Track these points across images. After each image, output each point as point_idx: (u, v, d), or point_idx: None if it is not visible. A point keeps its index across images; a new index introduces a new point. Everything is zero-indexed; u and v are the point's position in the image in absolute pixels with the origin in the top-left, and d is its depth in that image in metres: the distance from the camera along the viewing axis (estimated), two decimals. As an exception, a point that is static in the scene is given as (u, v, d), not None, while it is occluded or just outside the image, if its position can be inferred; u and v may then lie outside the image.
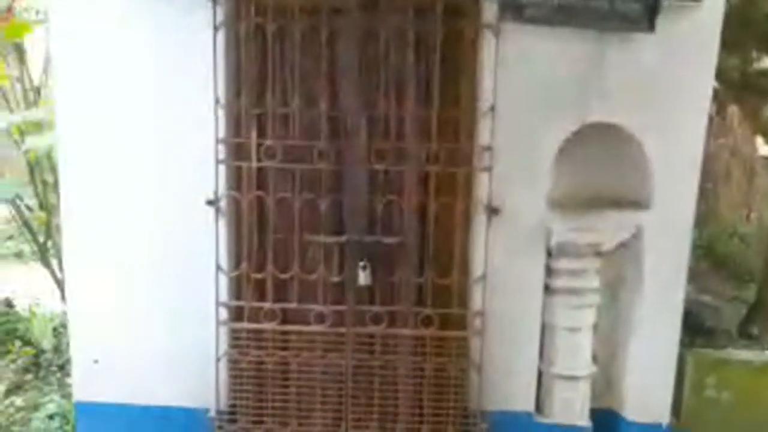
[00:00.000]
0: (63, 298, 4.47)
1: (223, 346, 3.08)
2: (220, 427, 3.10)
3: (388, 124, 2.97)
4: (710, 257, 6.44)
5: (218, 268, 3.02)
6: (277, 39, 2.92)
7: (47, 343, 4.48)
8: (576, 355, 3.13)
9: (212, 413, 3.09)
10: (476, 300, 3.04)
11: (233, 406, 3.12)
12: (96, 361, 3.15)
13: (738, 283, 6.19)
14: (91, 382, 3.16)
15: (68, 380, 3.96)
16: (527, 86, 2.89)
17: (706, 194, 6.18)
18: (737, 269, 6.33)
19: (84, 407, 3.19)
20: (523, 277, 3.04)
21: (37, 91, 4.62)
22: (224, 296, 3.06)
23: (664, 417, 3.16)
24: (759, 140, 6.89)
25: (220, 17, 2.86)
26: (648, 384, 3.13)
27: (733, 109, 6.23)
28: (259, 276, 3.06)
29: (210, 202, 2.98)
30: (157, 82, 2.95)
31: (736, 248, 6.59)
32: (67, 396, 3.84)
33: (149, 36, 2.92)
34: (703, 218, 5.88)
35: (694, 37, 2.82)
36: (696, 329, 4.84)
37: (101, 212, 3.05)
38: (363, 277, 3.00)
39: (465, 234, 3.04)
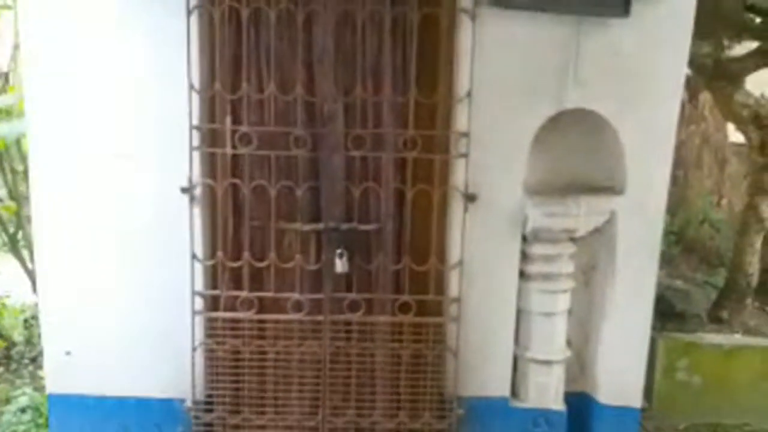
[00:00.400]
0: (34, 289, 4.39)
1: (199, 335, 3.05)
2: (196, 417, 3.08)
3: (365, 110, 2.94)
4: (681, 243, 6.55)
5: (193, 256, 2.98)
6: (251, 23, 2.87)
7: (18, 335, 4.39)
8: (550, 339, 3.17)
9: (188, 403, 3.06)
10: (453, 286, 3.05)
11: (210, 396, 3.09)
12: (68, 353, 3.10)
13: (708, 268, 6.32)
14: (64, 374, 3.11)
15: (40, 373, 3.90)
16: (504, 72, 2.89)
17: (677, 181, 6.28)
18: (707, 254, 6.46)
19: (57, 399, 3.14)
20: (499, 263, 3.06)
21: (5, 77, 4.50)
22: (200, 285, 3.02)
23: (637, 400, 3.22)
24: (729, 127, 7.01)
25: (193, 1, 2.80)
26: (620, 368, 3.18)
27: (704, 96, 6.33)
28: (235, 264, 3.02)
29: (184, 190, 2.94)
30: (129, 68, 2.88)
31: (706, 234, 6.71)
32: (39, 389, 3.78)
33: (120, 20, 2.85)
34: (674, 204, 5.99)
35: (668, 24, 2.85)
36: (667, 314, 4.94)
37: (72, 201, 2.99)
38: (340, 265, 2.99)
39: (442, 220, 3.05)
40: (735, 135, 7.04)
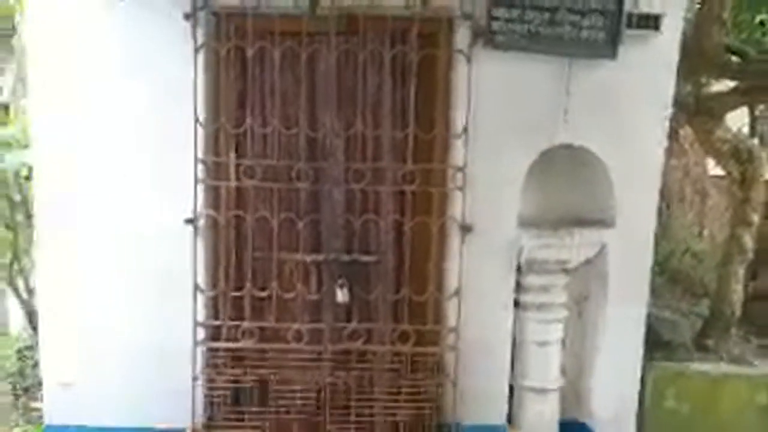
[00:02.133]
0: (30, 320, 4.38)
1: (200, 365, 3.07)
2: (196, 447, 3.09)
3: (365, 144, 3.04)
4: (665, 273, 6.67)
5: (196, 287, 3.03)
6: (256, 60, 2.98)
7: (11, 366, 4.35)
8: (545, 368, 3.23)
9: (188, 433, 3.08)
10: (450, 315, 3.12)
11: (210, 425, 3.10)
12: (67, 384, 3.10)
13: (692, 298, 6.42)
14: (62, 405, 3.12)
15: (34, 404, 3.87)
16: (498, 109, 3.01)
17: (660, 213, 6.42)
18: (691, 284, 6.57)
19: (55, 431, 3.13)
20: (495, 293, 3.14)
21: (5, 108, 4.55)
22: (201, 316, 3.07)
23: (631, 428, 3.28)
24: (709, 161, 7.21)
25: (200, 39, 2.91)
26: (614, 396, 3.26)
27: (685, 132, 6.51)
28: (236, 295, 3.07)
29: (189, 221, 3.00)
30: (136, 103, 2.97)
31: (689, 264, 6.83)
32: (32, 421, 3.75)
33: (127, 57, 2.95)
34: (658, 236, 6.11)
35: (654, 64, 3.00)
36: (655, 343, 5.00)
37: (76, 232, 3.04)
38: (341, 295, 3.06)
39: (440, 251, 3.13)
40: (715, 168, 7.25)
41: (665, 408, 4.13)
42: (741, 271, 5.12)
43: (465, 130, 3.00)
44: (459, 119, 3.02)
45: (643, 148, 3.08)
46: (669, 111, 3.08)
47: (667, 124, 3.10)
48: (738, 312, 5.32)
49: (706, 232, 7.16)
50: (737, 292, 5.20)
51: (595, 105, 3.02)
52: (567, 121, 3.00)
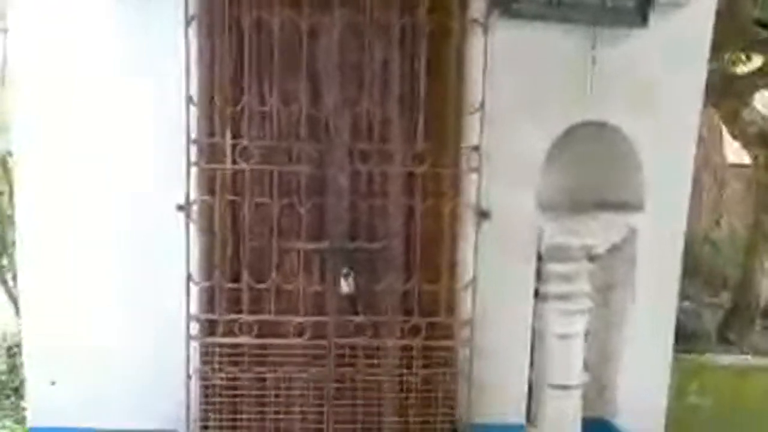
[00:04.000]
0: (18, 315, 4.18)
1: (195, 362, 2.86)
2: (192, 450, 2.89)
3: (372, 123, 2.83)
4: (684, 263, 6.47)
5: (189, 278, 2.81)
6: (253, 33, 2.75)
7: (1, 364, 4.17)
8: (567, 363, 3.04)
9: (183, 435, 2.87)
10: (465, 307, 2.92)
11: (205, 427, 2.90)
12: (53, 383, 2.91)
13: (711, 289, 6.24)
14: (48, 405, 2.92)
15: (23, 404, 3.68)
16: (517, 84, 2.80)
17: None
18: (711, 275, 6.38)
19: (40, 432, 2.94)
20: (514, 283, 2.95)
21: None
22: (195, 309, 2.85)
23: (659, 425, 3.08)
24: (728, 149, 7.01)
25: (192, 9, 2.69)
26: (641, 391, 3.06)
27: (703, 117, 6.30)
28: (233, 286, 2.87)
29: (180, 207, 2.78)
30: (124, 80, 2.77)
31: (708, 254, 6.65)
32: (21, 421, 3.56)
33: (114, 31, 2.75)
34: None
35: (687, 33, 2.80)
36: (677, 335, 4.82)
37: (61, 221, 2.84)
38: (346, 286, 2.85)
39: (453, 238, 2.92)
40: (732, 156, 7.04)
41: (687, 403, 3.99)
42: (766, 262, 4.94)
43: (481, 106, 2.78)
44: (474, 95, 2.80)
45: (675, 125, 2.87)
46: (703, 85, 2.85)
47: (701, 100, 2.87)
48: (762, 303, 5.14)
49: (723, 222, 6.97)
50: (761, 283, 5.02)
51: (622, 79, 2.81)
52: (592, 96, 2.77)
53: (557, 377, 3.01)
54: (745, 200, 6.78)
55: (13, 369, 4.17)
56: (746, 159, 6.14)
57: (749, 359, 4.81)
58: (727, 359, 4.61)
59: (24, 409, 3.62)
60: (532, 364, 3.03)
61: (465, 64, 2.83)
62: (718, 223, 6.96)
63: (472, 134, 2.82)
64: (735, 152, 6.78)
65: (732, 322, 5.14)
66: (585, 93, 2.78)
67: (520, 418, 3.02)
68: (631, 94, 2.81)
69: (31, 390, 2.95)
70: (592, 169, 2.96)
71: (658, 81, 2.81)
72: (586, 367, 3.08)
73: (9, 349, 4.32)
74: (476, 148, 2.81)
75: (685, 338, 4.97)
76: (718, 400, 4.11)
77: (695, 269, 6.51)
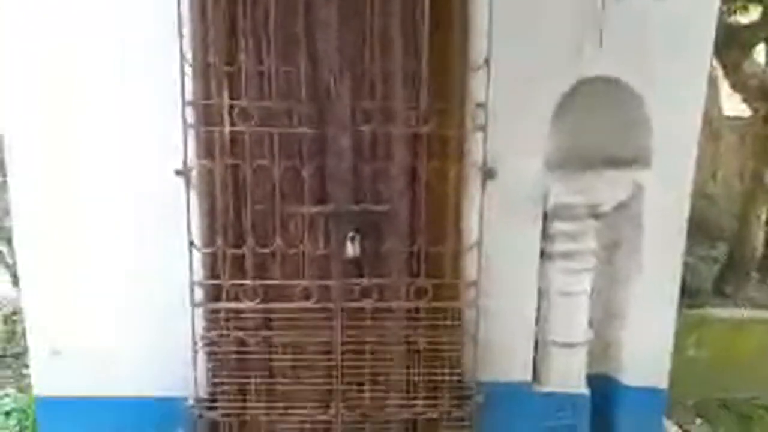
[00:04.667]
0: (15, 282, 4.12)
1: (200, 328, 2.83)
2: (200, 416, 2.88)
3: (374, 81, 2.72)
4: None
5: (191, 244, 2.75)
6: (248, -13, 2.62)
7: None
8: (572, 320, 3.03)
9: (190, 402, 2.85)
10: (471, 268, 2.87)
11: (213, 392, 2.89)
12: (57, 352, 2.87)
13: (707, 242, 6.26)
14: (53, 374, 2.88)
15: (25, 371, 3.65)
16: (523, 38, 2.69)
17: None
18: (706, 228, 6.39)
19: (45, 402, 2.91)
20: (519, 243, 2.89)
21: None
22: (199, 275, 2.80)
23: (663, 381, 3.09)
24: (723, 101, 6.93)
25: (183, -37, 2.55)
26: (646, 348, 3.04)
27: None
28: (236, 252, 2.81)
29: (179, 172, 2.70)
30: (115, 40, 2.64)
31: (704, 208, 6.64)
32: (24, 389, 3.54)
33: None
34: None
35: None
36: (674, 289, 4.84)
37: (57, 185, 2.74)
38: (351, 249, 2.79)
39: (458, 198, 2.85)
40: (728, 108, 6.97)
41: (686, 356, 4.02)
42: (764, 213, 4.93)
43: (486, 61, 2.68)
44: (479, 49, 2.69)
45: (684, 79, 2.77)
46: (713, 38, 2.76)
47: (711, 52, 2.79)
48: (758, 256, 5.16)
49: (719, 175, 6.95)
50: (759, 235, 5.02)
51: (631, 32, 2.70)
52: (600, 50, 2.68)
53: (562, 335, 3.01)
54: (739, 153, 6.75)
55: (13, 336, 4.13)
56: (742, 111, 6.08)
57: (745, 311, 4.85)
58: (724, 312, 4.64)
59: (26, 376, 3.60)
60: (537, 322, 3.01)
61: (470, 17, 2.69)
62: (714, 176, 6.93)
63: (477, 91, 2.72)
64: (731, 104, 6.71)
65: (728, 276, 5.16)
66: (593, 47, 2.70)
67: (526, 376, 3.02)
68: (639, 48, 2.71)
69: (34, 358, 2.90)
70: (598, 126, 2.87)
71: (667, 34, 2.71)
72: (591, 324, 3.08)
73: (6, 316, 4.27)
74: (482, 106, 2.72)
75: (681, 292, 5.01)
76: (716, 353, 4.14)
77: (691, 223, 6.52)
